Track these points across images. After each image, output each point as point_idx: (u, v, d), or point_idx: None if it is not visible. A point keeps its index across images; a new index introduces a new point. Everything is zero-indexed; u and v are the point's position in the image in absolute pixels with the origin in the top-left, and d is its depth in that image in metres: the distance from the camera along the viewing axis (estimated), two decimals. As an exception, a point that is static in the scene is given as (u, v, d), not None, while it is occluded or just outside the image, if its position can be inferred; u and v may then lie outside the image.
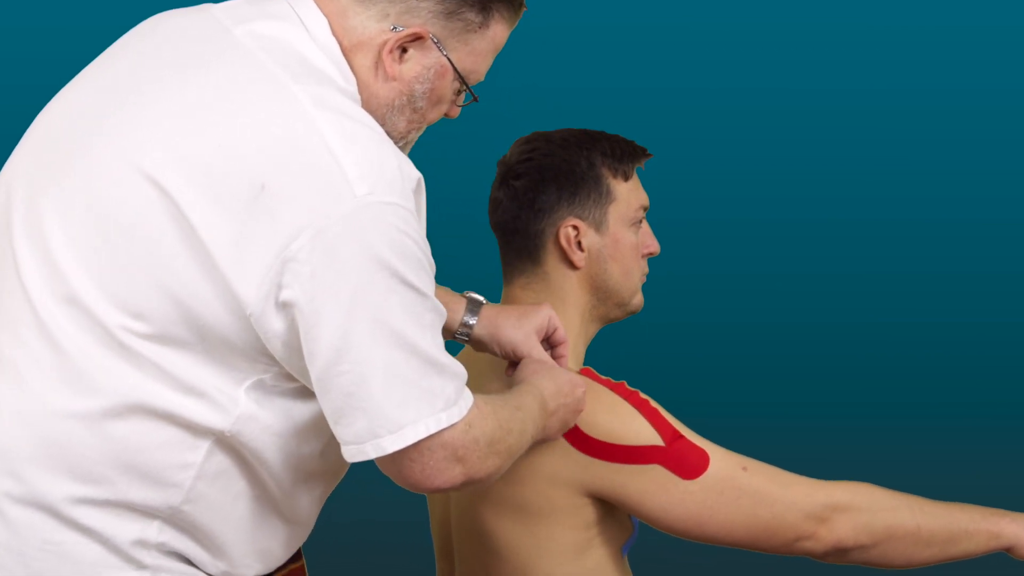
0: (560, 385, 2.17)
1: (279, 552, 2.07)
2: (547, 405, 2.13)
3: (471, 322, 2.28)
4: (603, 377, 2.33)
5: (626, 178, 2.38)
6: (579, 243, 2.36)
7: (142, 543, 1.94)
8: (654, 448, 2.24)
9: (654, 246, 2.44)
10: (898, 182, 4.26)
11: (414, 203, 1.92)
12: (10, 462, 1.91)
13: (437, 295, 2.12)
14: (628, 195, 2.38)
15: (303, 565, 2.24)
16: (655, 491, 2.25)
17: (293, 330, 1.88)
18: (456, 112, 2.09)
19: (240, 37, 1.96)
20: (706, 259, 4.06)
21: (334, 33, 1.99)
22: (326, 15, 1.99)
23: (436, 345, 1.91)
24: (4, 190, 2.01)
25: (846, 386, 4.24)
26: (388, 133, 2.01)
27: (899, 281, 4.26)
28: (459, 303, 2.28)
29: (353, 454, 1.91)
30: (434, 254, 2.08)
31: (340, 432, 1.91)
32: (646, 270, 2.44)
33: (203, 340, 1.90)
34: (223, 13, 2.01)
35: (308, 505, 2.06)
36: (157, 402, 1.90)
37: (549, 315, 2.30)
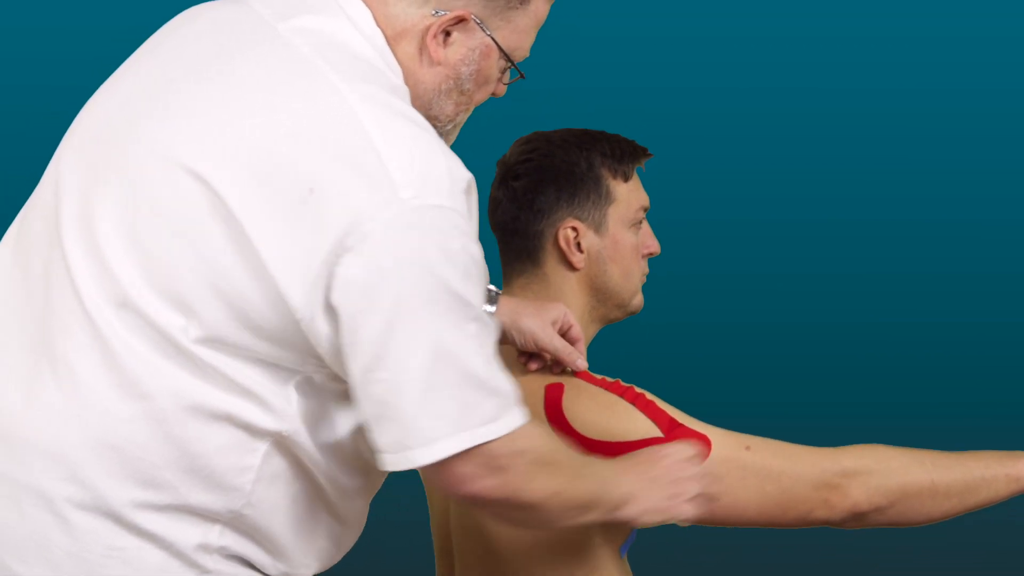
0: (656, 479, 2.10)
1: (334, 551, 2.06)
2: (617, 489, 2.06)
3: (491, 310, 2.24)
4: (597, 377, 2.33)
5: (626, 179, 2.38)
6: (578, 244, 2.36)
7: (204, 547, 1.93)
8: (653, 440, 2.23)
9: (654, 246, 2.44)
10: (899, 183, 4.26)
11: (464, 204, 1.89)
12: (73, 468, 1.89)
13: None
14: (628, 196, 2.38)
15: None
16: None
17: (338, 335, 1.86)
18: (502, 91, 2.07)
19: (285, 33, 1.94)
20: (707, 259, 4.06)
21: (377, 23, 1.97)
22: (368, 5, 1.98)
23: (481, 356, 1.88)
24: (51, 187, 1.99)
25: (847, 386, 4.24)
26: (436, 117, 2.01)
27: (900, 282, 4.26)
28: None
29: (387, 463, 1.89)
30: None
31: (374, 439, 1.89)
32: (646, 270, 2.44)
33: (253, 340, 1.88)
34: (264, 8, 1.99)
35: (360, 503, 2.05)
36: (214, 403, 1.89)
37: (564, 311, 2.30)
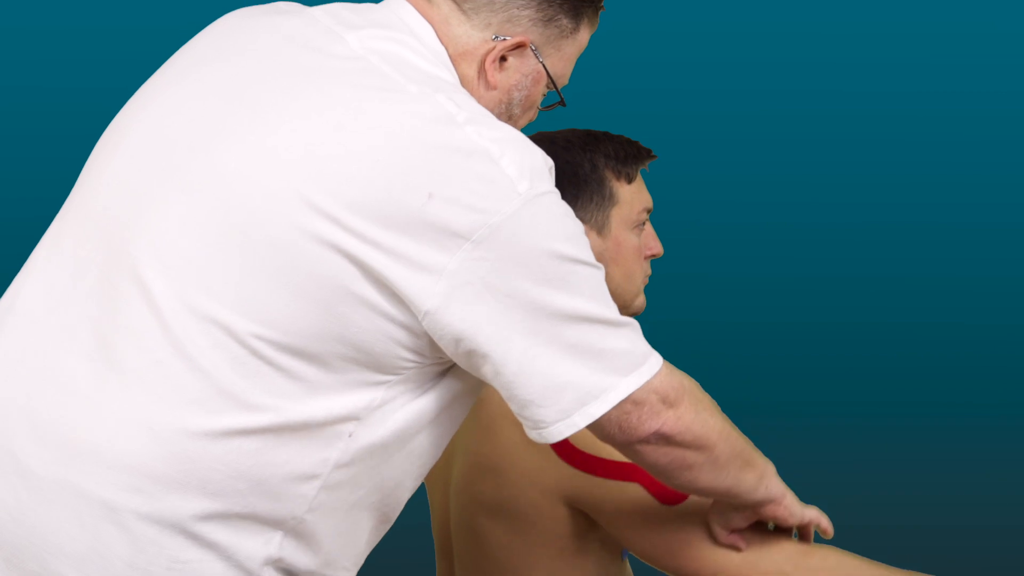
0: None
1: (365, 552, 2.06)
2: (765, 478, 2.14)
3: None
4: None
5: (629, 180, 2.38)
6: (581, 246, 2.36)
7: (264, 559, 1.91)
8: (635, 466, 2.22)
9: (657, 248, 2.43)
10: (901, 185, 4.26)
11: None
12: (138, 478, 1.86)
13: None
14: (631, 198, 2.38)
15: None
16: (630, 511, 2.23)
17: (472, 329, 1.89)
18: (535, 116, 2.11)
19: (356, 47, 1.94)
20: (708, 260, 4.06)
21: (440, 40, 2.00)
22: (429, 22, 2.00)
23: (612, 307, 1.95)
24: (103, 186, 1.96)
25: (848, 387, 4.24)
26: None
27: (901, 283, 4.26)
28: None
29: (560, 431, 1.94)
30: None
31: (543, 414, 1.94)
32: (648, 272, 2.43)
33: (346, 351, 1.88)
34: (327, 18, 1.99)
35: (401, 503, 2.05)
36: (293, 416, 1.88)
37: None
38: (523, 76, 2.04)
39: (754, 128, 4.21)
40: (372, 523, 2.02)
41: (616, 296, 2.40)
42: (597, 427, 1.96)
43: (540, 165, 1.91)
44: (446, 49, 2.00)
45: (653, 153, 2.41)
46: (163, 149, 1.93)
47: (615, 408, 1.94)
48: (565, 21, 2.03)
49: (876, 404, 4.25)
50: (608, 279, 2.38)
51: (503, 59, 2.02)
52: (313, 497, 1.92)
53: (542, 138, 2.39)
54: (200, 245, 1.87)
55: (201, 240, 1.87)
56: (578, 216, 2.36)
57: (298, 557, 1.94)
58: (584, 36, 2.08)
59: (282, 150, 1.87)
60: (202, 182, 1.89)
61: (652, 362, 1.96)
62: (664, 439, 1.99)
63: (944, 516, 4.14)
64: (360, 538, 2.01)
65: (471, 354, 1.91)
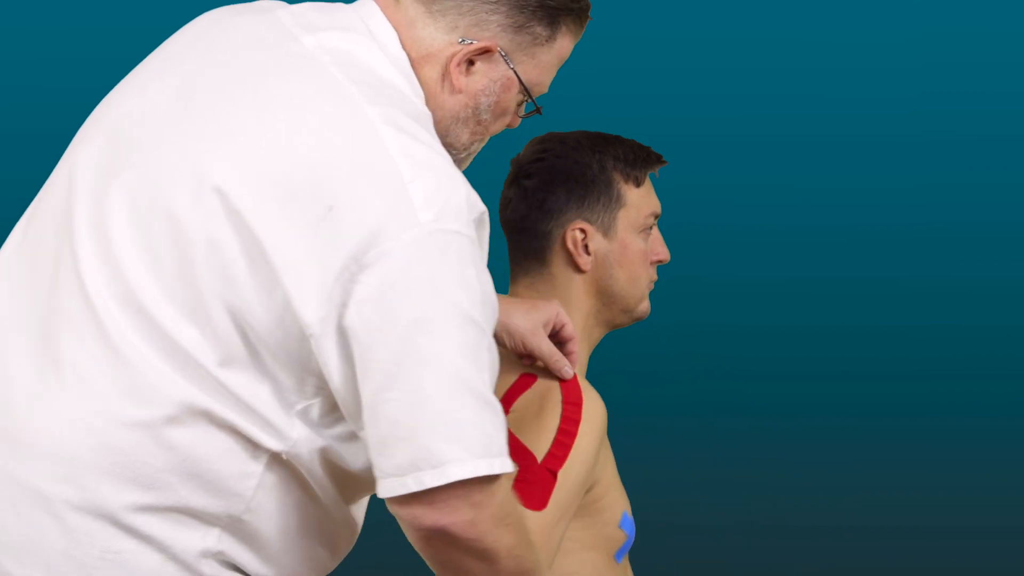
0: None
1: (328, 560, 2.04)
2: None
3: None
4: (576, 382, 2.32)
5: (638, 184, 2.37)
6: (586, 246, 2.35)
7: (202, 552, 1.91)
8: (530, 456, 2.22)
9: (664, 254, 2.43)
10: (901, 188, 4.26)
11: (474, 235, 1.88)
12: (71, 469, 1.87)
13: None
14: (639, 201, 2.38)
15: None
16: None
17: (350, 355, 1.85)
18: (517, 122, 2.06)
19: (312, 49, 1.93)
20: (711, 262, 4.06)
21: (403, 44, 1.97)
22: (394, 25, 1.97)
23: (490, 387, 1.87)
24: (64, 187, 1.97)
25: (848, 388, 4.25)
26: (451, 144, 2.00)
27: (901, 285, 4.26)
28: None
29: (392, 488, 1.85)
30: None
31: (382, 463, 1.86)
32: (654, 277, 2.43)
33: (256, 358, 1.87)
34: (291, 19, 1.98)
35: (358, 512, 2.04)
36: (220, 414, 1.87)
37: (557, 310, 2.26)
38: (491, 82, 1.99)
39: (754, 133, 4.22)
40: (327, 531, 2.01)
41: (619, 300, 2.39)
42: (411, 501, 1.84)
43: (459, 204, 1.85)
44: (409, 53, 1.97)
45: (664, 159, 2.40)
46: (117, 147, 1.94)
47: (449, 485, 1.82)
48: (539, 29, 1.99)
49: (876, 405, 4.26)
50: (612, 282, 2.37)
51: (471, 63, 1.98)
52: (251, 497, 1.91)
53: (553, 138, 2.39)
54: (133, 242, 1.88)
55: (134, 237, 1.88)
56: (585, 217, 2.35)
57: (243, 555, 1.95)
58: (564, 44, 2.02)
59: (212, 151, 1.87)
60: (140, 181, 1.90)
61: (505, 462, 1.85)
62: (446, 538, 1.86)
63: (944, 516, 4.14)
64: (316, 545, 2.00)
65: (342, 375, 1.86)
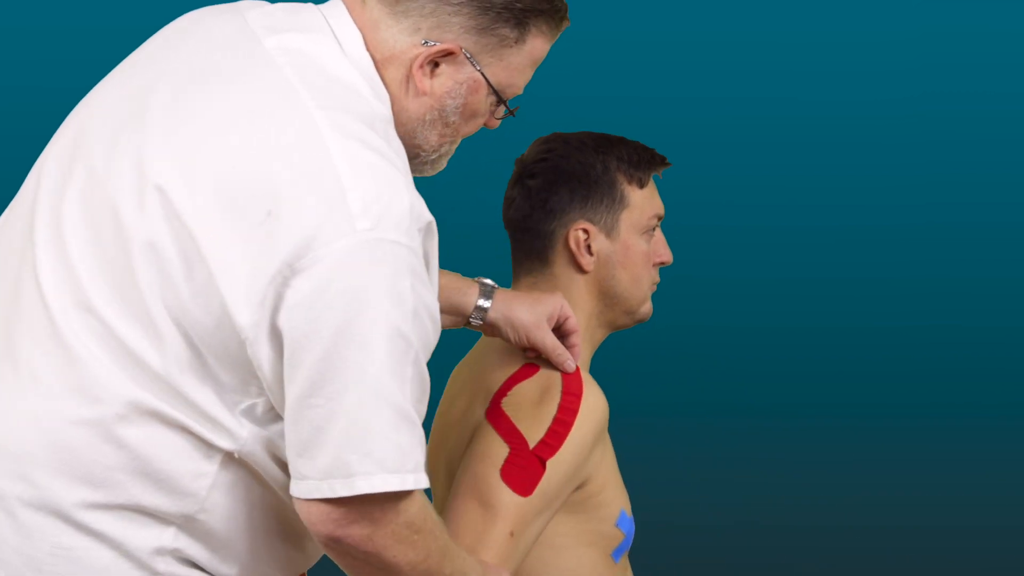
0: None
1: (300, 559, 2.06)
2: None
3: (485, 305, 2.23)
4: (585, 375, 2.32)
5: (641, 185, 2.37)
6: (588, 247, 2.35)
7: (156, 550, 1.92)
8: (523, 440, 2.23)
9: (666, 256, 2.43)
10: (901, 189, 4.26)
11: (420, 245, 1.87)
12: (22, 466, 1.89)
13: (448, 280, 2.11)
14: (642, 202, 2.37)
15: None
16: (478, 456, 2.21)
17: (280, 358, 1.85)
18: (495, 124, 2.04)
19: (271, 50, 1.92)
20: (710, 263, 4.07)
21: (367, 46, 1.95)
22: (359, 27, 1.95)
23: (411, 402, 1.87)
24: (33, 189, 1.98)
25: (848, 388, 4.25)
26: (419, 146, 1.99)
27: (901, 285, 4.26)
28: (472, 288, 2.25)
29: (307, 490, 1.87)
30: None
31: (300, 466, 1.87)
32: (656, 279, 2.43)
33: (200, 358, 1.88)
34: (257, 20, 1.97)
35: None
36: (170, 414, 1.88)
37: (561, 303, 2.26)
38: (456, 84, 1.96)
39: (754, 134, 4.22)
40: (295, 532, 2.02)
41: (622, 301, 2.39)
42: (319, 502, 1.87)
43: (400, 213, 1.84)
44: (373, 55, 1.95)
45: (668, 160, 2.40)
46: (78, 147, 1.96)
47: (355, 498, 1.85)
48: (506, 31, 1.95)
49: (876, 405, 4.26)
50: (615, 283, 2.37)
51: (435, 65, 1.95)
52: (205, 496, 1.92)
53: (557, 138, 2.39)
54: (85, 242, 1.89)
55: (86, 237, 1.89)
56: (588, 217, 2.35)
57: (202, 554, 1.95)
58: (537, 46, 1.98)
59: (157, 151, 1.88)
60: (91, 180, 1.91)
61: (419, 477, 1.87)
62: (345, 549, 1.89)
63: (944, 516, 4.14)
64: (284, 546, 2.01)
65: (275, 378, 1.87)
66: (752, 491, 4.10)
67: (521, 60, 1.98)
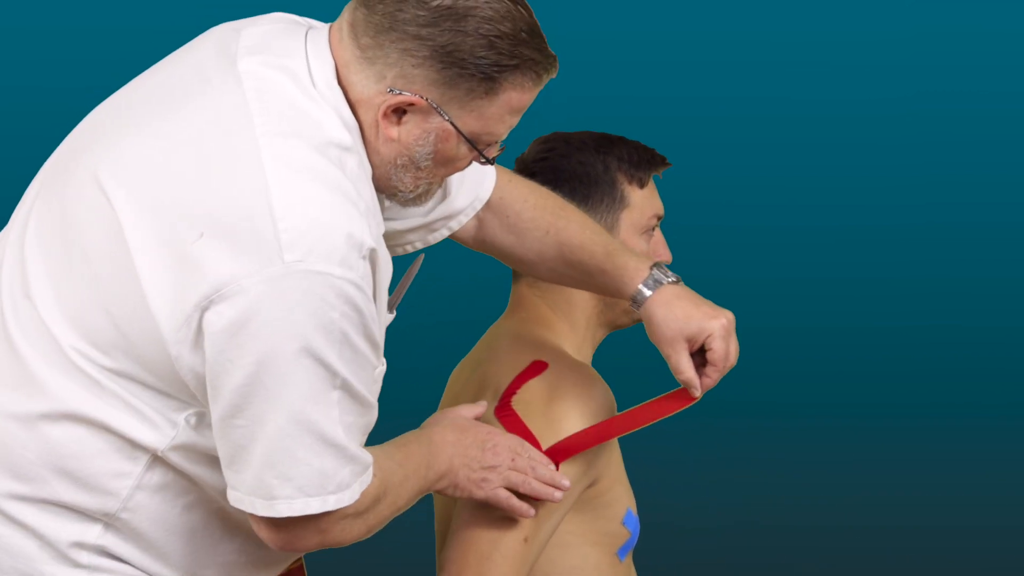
0: (456, 444, 2.12)
1: (251, 567, 2.07)
2: (438, 461, 2.09)
3: (647, 293, 2.18)
4: (591, 373, 2.31)
5: (641, 185, 2.38)
6: (589, 246, 2.36)
7: (79, 544, 1.96)
8: (534, 442, 2.22)
9: (665, 255, 2.43)
10: (901, 188, 4.26)
11: (364, 272, 1.88)
12: None
13: (617, 254, 2.14)
14: (642, 203, 2.38)
15: (302, 565, 2.25)
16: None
17: (204, 377, 1.88)
18: (483, 163, 2.01)
19: (240, 72, 1.93)
20: (709, 263, 4.06)
21: (339, 80, 1.94)
22: (335, 59, 1.94)
23: (341, 424, 1.89)
24: (29, 191, 2.05)
25: (848, 388, 4.24)
26: (395, 187, 1.99)
27: (901, 285, 4.26)
28: (643, 268, 2.19)
29: (236, 499, 1.92)
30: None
31: (228, 476, 1.92)
32: (656, 280, 2.43)
33: (143, 368, 1.91)
34: (247, 39, 1.97)
35: None
36: (96, 415, 1.92)
37: (713, 329, 2.17)
38: (424, 132, 1.94)
39: (751, 134, 4.22)
40: (242, 539, 2.03)
41: (622, 301, 2.39)
42: (254, 519, 1.93)
43: (333, 244, 1.84)
44: (345, 92, 1.94)
45: (668, 161, 2.40)
46: (65, 153, 2.01)
47: (283, 519, 1.90)
48: (472, 84, 1.91)
49: (876, 405, 4.25)
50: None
51: (403, 112, 1.93)
52: (127, 496, 1.95)
53: (558, 137, 2.39)
54: (48, 246, 1.93)
55: (51, 242, 1.93)
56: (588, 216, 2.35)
57: (131, 553, 1.99)
58: (514, 97, 1.93)
59: (111, 164, 1.91)
60: (58, 186, 1.95)
61: (344, 496, 1.91)
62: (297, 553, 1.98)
63: (944, 516, 4.14)
64: (227, 551, 2.03)
65: (202, 392, 1.90)
66: (752, 491, 4.10)
67: (496, 111, 1.94)
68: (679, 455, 4.04)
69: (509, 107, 1.95)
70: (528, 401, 2.25)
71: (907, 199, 4.25)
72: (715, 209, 4.14)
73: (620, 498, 2.33)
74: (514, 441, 2.16)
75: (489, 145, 1.98)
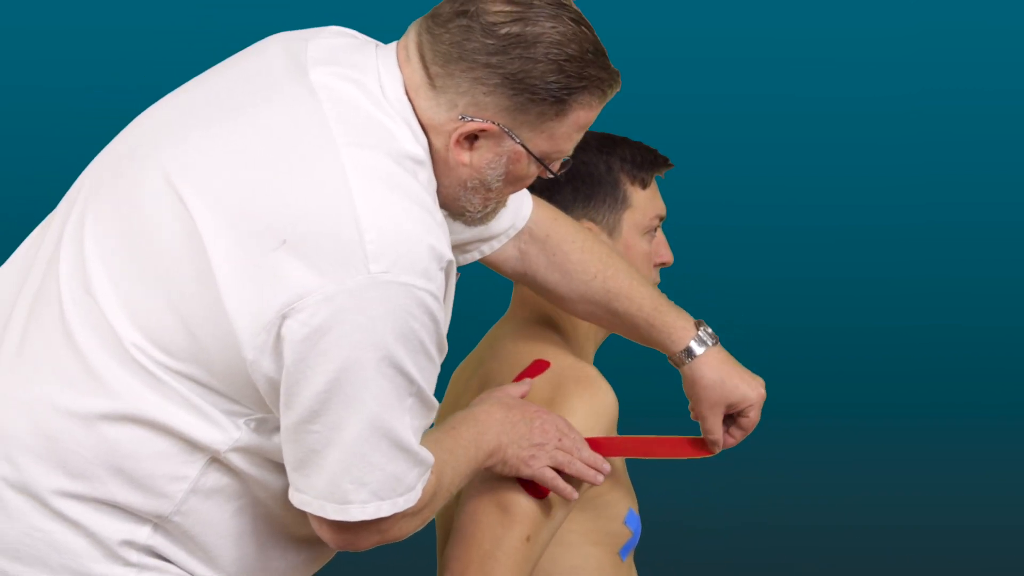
0: (504, 422, 2.15)
1: (291, 572, 2.08)
2: (486, 441, 2.11)
3: (697, 352, 2.29)
4: (593, 372, 2.32)
5: (644, 186, 2.38)
6: (590, 246, 2.36)
7: (129, 543, 1.96)
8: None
9: (667, 256, 2.43)
10: (904, 187, 4.26)
11: (440, 283, 1.90)
12: (8, 448, 1.93)
13: (663, 311, 2.22)
14: (644, 203, 2.38)
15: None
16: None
17: (278, 383, 1.89)
18: (549, 175, 2.03)
19: (313, 81, 1.94)
20: (709, 262, 4.07)
21: (409, 97, 1.95)
22: (403, 77, 1.96)
23: (412, 429, 1.92)
24: (78, 186, 2.04)
25: (848, 388, 4.25)
26: (464, 208, 2.01)
27: (901, 285, 4.26)
28: (690, 327, 2.29)
29: (300, 502, 1.94)
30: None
31: (295, 479, 1.93)
32: (657, 280, 2.43)
33: (208, 372, 1.91)
34: (314, 51, 1.98)
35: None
36: (157, 414, 1.91)
37: (755, 400, 2.30)
38: (496, 156, 1.97)
39: (751, 132, 4.22)
40: (285, 543, 2.04)
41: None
42: (316, 520, 1.95)
43: (418, 255, 1.86)
44: (416, 112, 1.95)
45: (670, 162, 2.40)
46: (127, 150, 2.00)
47: (356, 522, 1.93)
48: (544, 108, 1.93)
49: (876, 405, 4.26)
50: (616, 283, 2.37)
51: (475, 138, 1.95)
52: (181, 500, 1.95)
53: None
54: (112, 243, 1.93)
55: (114, 240, 1.93)
56: (590, 216, 2.35)
57: (178, 555, 1.99)
58: (581, 115, 1.97)
59: (185, 168, 1.91)
60: (121, 185, 1.95)
61: (410, 496, 1.93)
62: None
63: (944, 516, 4.14)
64: (272, 557, 2.04)
65: (273, 397, 1.91)
66: (753, 491, 4.10)
67: (566, 130, 1.97)
68: (679, 455, 4.04)
69: (577, 125, 1.97)
70: (530, 400, 2.25)
71: (907, 199, 4.25)
72: (715, 209, 4.15)
73: (622, 497, 2.33)
74: (561, 421, 2.18)
75: (555, 161, 2.01)
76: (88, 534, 1.94)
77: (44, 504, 1.93)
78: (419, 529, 2.03)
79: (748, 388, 2.29)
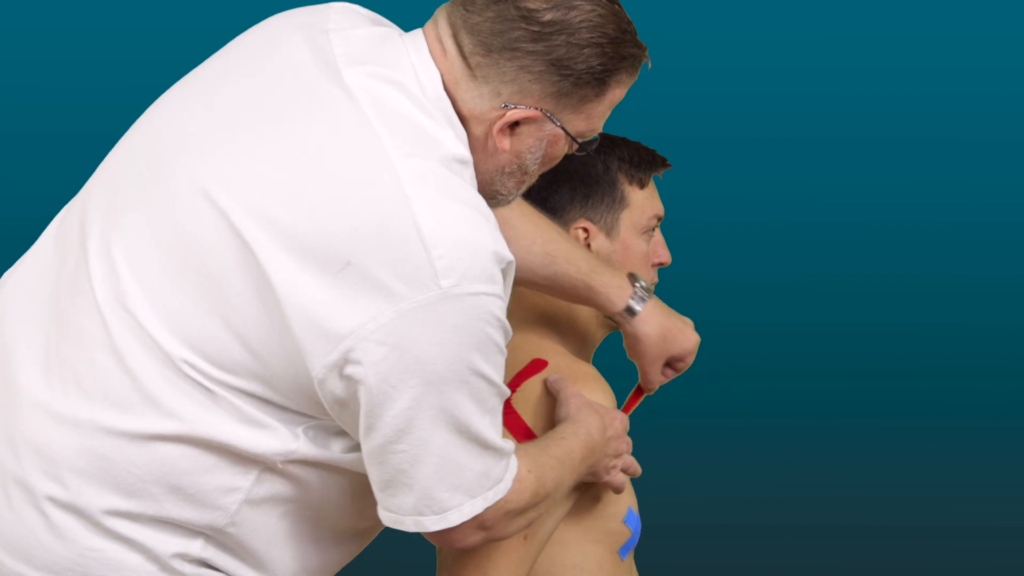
0: (603, 432, 2.19)
1: (332, 568, 2.08)
2: (591, 454, 2.16)
3: (637, 310, 2.33)
4: (592, 371, 2.32)
5: (642, 186, 2.38)
6: (588, 246, 2.36)
7: (182, 556, 1.95)
8: (531, 435, 2.23)
9: (665, 256, 2.43)
10: (902, 186, 4.26)
11: (501, 283, 1.90)
12: (57, 468, 1.91)
13: (594, 268, 2.23)
14: (642, 203, 2.38)
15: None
16: None
17: (353, 401, 1.88)
18: (582, 154, 2.07)
19: (351, 85, 1.91)
20: (708, 261, 4.07)
21: (448, 91, 1.95)
22: (440, 72, 1.95)
23: (495, 427, 1.93)
24: (93, 187, 2.00)
25: (848, 387, 4.24)
26: (497, 191, 2.01)
27: (901, 283, 4.26)
28: (626, 286, 2.31)
29: (391, 521, 1.94)
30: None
31: (384, 499, 1.93)
32: (655, 280, 2.44)
33: (268, 387, 1.90)
34: (339, 46, 1.96)
35: (361, 522, 2.07)
36: (214, 433, 1.90)
37: (692, 348, 2.39)
38: (537, 140, 1.98)
39: (753, 131, 4.22)
40: (329, 544, 2.04)
41: (622, 300, 2.40)
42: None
43: (484, 263, 1.86)
44: (454, 102, 1.95)
45: (668, 162, 2.40)
46: (149, 156, 1.96)
47: (453, 527, 1.95)
48: (587, 90, 1.97)
49: (876, 405, 4.25)
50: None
51: (516, 124, 1.96)
52: (235, 511, 1.94)
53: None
54: (147, 259, 1.90)
55: (149, 255, 1.90)
56: (588, 216, 2.36)
57: (230, 564, 1.99)
58: (616, 94, 2.00)
59: (230, 186, 1.88)
60: (152, 201, 1.92)
61: (500, 488, 1.95)
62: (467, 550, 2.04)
63: (944, 516, 4.14)
64: (310, 555, 2.04)
65: (342, 416, 1.91)
66: (753, 490, 4.10)
67: (602, 109, 2.00)
68: (680, 454, 4.05)
69: (611, 103, 2.01)
70: (528, 399, 2.25)
71: (908, 198, 4.25)
72: (715, 208, 4.15)
73: (621, 496, 2.34)
74: (626, 423, 2.26)
75: (588, 140, 2.03)
76: (143, 550, 1.93)
77: (96, 524, 1.92)
78: (525, 529, 2.05)
79: (685, 339, 2.37)
